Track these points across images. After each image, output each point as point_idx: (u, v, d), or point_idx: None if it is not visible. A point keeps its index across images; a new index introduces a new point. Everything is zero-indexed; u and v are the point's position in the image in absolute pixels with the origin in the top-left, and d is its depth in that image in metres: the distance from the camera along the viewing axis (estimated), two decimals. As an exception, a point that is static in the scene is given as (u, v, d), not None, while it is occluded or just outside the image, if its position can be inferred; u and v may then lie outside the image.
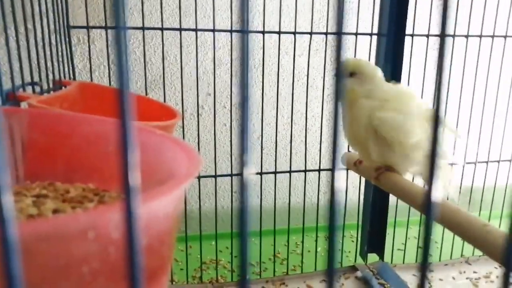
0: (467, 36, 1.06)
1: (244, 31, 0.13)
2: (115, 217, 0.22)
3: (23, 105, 0.56)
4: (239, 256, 0.14)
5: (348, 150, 1.04)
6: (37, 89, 0.64)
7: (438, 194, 0.17)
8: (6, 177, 0.12)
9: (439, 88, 0.16)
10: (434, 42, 1.05)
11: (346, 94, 0.74)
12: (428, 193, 0.17)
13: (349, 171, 1.01)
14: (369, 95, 0.74)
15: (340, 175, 0.15)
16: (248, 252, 0.14)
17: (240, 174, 0.14)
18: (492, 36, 1.09)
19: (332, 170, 0.15)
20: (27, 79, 0.62)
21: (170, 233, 0.30)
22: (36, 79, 0.64)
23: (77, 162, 0.45)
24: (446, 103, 0.84)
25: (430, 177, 0.17)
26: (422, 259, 0.17)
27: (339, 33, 0.14)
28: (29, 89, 0.63)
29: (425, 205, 0.17)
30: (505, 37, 1.13)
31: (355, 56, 1.04)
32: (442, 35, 0.15)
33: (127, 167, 0.13)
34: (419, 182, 0.80)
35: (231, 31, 0.97)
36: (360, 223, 1.17)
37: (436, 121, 0.16)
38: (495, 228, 0.54)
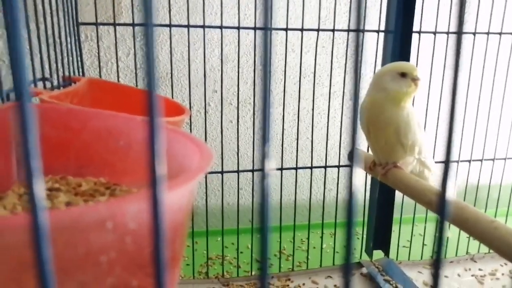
0: (474, 34, 1.06)
1: (266, 28, 0.14)
2: (132, 208, 0.22)
3: (35, 100, 0.57)
4: (260, 246, 0.15)
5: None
6: (48, 84, 0.65)
7: (451, 194, 0.17)
8: (38, 165, 0.13)
9: (454, 87, 0.16)
10: (441, 39, 1.05)
11: (398, 95, 0.76)
12: (442, 194, 0.17)
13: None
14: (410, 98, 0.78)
15: (358, 173, 0.16)
16: (268, 240, 0.15)
17: (262, 166, 0.14)
18: (500, 33, 1.09)
19: (350, 166, 0.15)
20: (38, 75, 0.63)
21: (183, 226, 0.31)
22: (46, 75, 0.65)
23: (88, 156, 0.46)
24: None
25: (444, 177, 0.17)
26: (435, 259, 0.17)
27: (350, 30, 0.14)
28: (40, 84, 0.63)
29: (439, 206, 0.17)
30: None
31: (361, 53, 1.04)
32: (459, 32, 0.15)
33: (154, 158, 0.14)
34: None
35: (238, 28, 0.97)
36: (365, 220, 1.18)
37: (451, 121, 0.16)
38: (503, 224, 0.54)
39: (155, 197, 0.14)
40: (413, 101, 0.85)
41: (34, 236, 0.13)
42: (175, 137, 0.38)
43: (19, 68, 0.13)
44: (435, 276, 0.18)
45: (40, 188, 0.13)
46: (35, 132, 0.13)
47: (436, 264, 0.18)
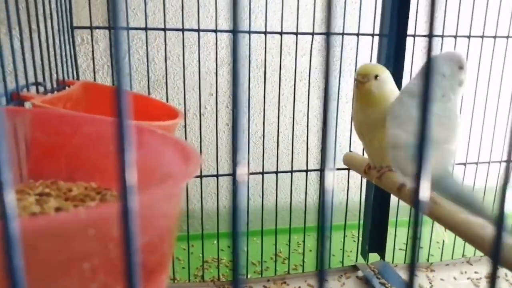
0: (469, 37, 1.07)
1: (234, 31, 0.14)
2: (115, 214, 0.22)
3: (27, 105, 0.57)
4: (232, 256, 0.15)
5: (350, 150, 1.04)
6: (41, 89, 0.65)
7: (425, 193, 0.17)
8: (8, 173, 0.13)
9: (426, 89, 0.17)
10: (436, 42, 1.05)
11: (370, 96, 0.76)
12: (416, 191, 0.17)
13: (350, 170, 1.02)
14: (388, 97, 0.76)
15: (330, 176, 0.16)
16: (240, 250, 0.15)
17: (233, 174, 0.14)
18: (495, 37, 1.10)
19: (321, 170, 0.15)
20: (31, 79, 0.63)
21: (169, 231, 0.31)
22: (40, 79, 0.65)
23: (79, 161, 0.46)
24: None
25: (418, 176, 0.17)
26: (411, 255, 0.18)
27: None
28: (33, 89, 0.63)
29: (414, 202, 0.17)
30: (507, 37, 1.13)
31: (356, 57, 1.04)
32: (430, 35, 0.15)
33: (124, 165, 0.14)
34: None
35: (233, 31, 0.97)
36: (361, 222, 1.18)
37: (423, 121, 0.17)
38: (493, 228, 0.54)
39: (125, 202, 0.14)
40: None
41: (5, 245, 0.13)
42: (164, 142, 0.38)
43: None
44: (411, 275, 0.18)
45: (11, 197, 0.13)
46: (3, 137, 0.13)
47: (412, 264, 0.18)
